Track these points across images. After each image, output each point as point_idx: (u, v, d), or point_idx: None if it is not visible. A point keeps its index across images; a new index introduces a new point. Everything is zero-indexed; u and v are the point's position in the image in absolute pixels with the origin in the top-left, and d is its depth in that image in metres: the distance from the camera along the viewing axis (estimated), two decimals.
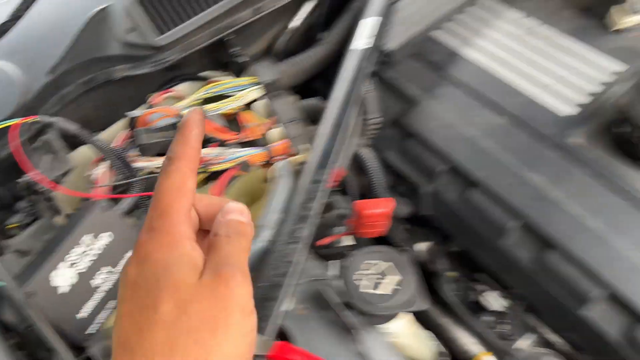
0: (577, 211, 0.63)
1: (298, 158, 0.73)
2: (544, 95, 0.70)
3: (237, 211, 0.38)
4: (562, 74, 0.71)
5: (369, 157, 0.75)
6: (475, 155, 0.71)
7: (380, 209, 0.59)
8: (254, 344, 0.36)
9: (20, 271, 0.60)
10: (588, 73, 0.70)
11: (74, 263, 0.60)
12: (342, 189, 0.74)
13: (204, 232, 0.38)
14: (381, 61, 0.80)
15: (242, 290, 0.34)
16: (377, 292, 0.55)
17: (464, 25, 0.80)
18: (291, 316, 0.59)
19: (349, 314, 0.54)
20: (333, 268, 0.70)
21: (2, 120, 0.69)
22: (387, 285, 0.56)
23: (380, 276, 0.56)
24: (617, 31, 0.72)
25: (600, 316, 0.61)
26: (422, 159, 0.75)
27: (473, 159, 0.71)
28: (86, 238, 0.61)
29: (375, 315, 0.55)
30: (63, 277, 0.59)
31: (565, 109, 0.68)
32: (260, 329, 0.55)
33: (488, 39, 0.77)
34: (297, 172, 0.71)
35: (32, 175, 0.67)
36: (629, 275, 0.59)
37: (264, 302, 0.57)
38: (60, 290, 0.58)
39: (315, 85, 0.92)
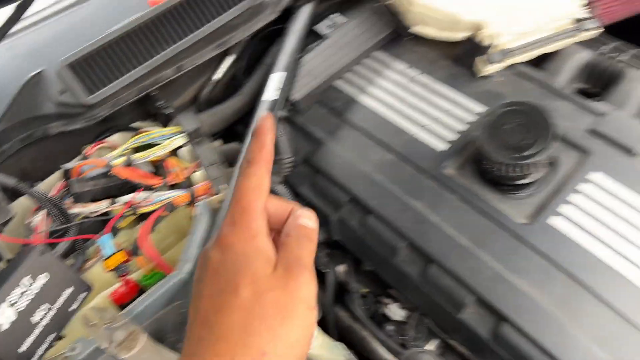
0: (450, 231, 0.75)
1: (218, 197, 0.83)
2: (423, 133, 0.83)
3: (306, 216, 0.44)
4: (437, 115, 0.84)
5: (284, 193, 0.86)
6: (370, 186, 0.82)
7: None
8: (313, 337, 0.41)
9: None
10: (457, 114, 0.83)
11: (14, 303, 0.67)
12: None
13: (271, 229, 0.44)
14: (290, 109, 0.92)
15: (308, 287, 0.40)
16: None
17: (360, 75, 0.93)
18: None
19: None
20: None
21: None
22: None
23: None
24: (483, 77, 0.87)
25: (473, 318, 0.72)
26: (329, 192, 0.87)
27: (368, 190, 0.82)
28: (25, 280, 0.69)
29: None
30: (4, 315, 0.66)
31: (440, 145, 0.81)
32: (180, 351, 0.64)
33: (379, 86, 0.91)
34: (217, 210, 0.81)
35: None
36: (491, 283, 0.71)
37: (183, 325, 0.66)
38: (2, 328, 0.66)
39: (237, 129, 1.04)
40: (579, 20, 0.87)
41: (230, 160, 0.90)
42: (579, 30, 0.87)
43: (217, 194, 0.84)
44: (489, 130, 0.72)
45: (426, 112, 0.85)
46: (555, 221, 0.72)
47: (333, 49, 0.94)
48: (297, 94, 0.90)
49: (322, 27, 0.99)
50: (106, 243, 0.75)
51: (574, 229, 0.71)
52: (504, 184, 0.75)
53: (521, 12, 0.86)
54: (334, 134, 0.89)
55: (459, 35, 0.87)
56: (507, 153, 0.70)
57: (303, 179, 0.91)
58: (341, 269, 0.97)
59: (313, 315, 0.40)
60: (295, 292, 0.39)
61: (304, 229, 0.43)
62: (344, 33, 0.96)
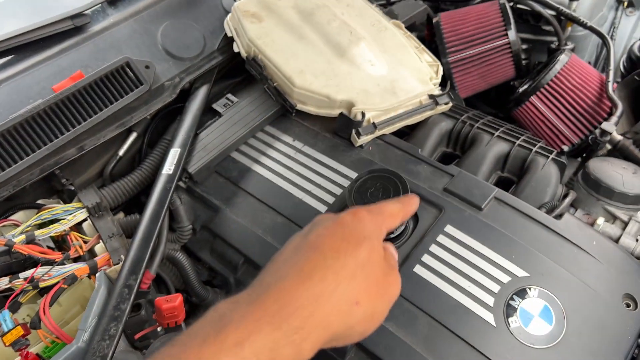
0: None
1: (117, 267, 0.88)
2: (307, 198, 0.94)
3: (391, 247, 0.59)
4: (319, 181, 0.95)
5: (182, 259, 0.93)
6: (263, 248, 0.91)
7: (173, 303, 0.77)
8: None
9: None
10: (336, 179, 0.95)
11: None
12: (157, 288, 0.91)
13: None
14: (186, 181, 1.00)
15: (398, 290, 0.54)
16: None
17: (253, 147, 1.04)
18: None
19: None
20: None
21: None
22: None
23: None
24: (358, 147, 1.00)
25: None
26: (226, 255, 0.94)
27: (261, 251, 0.91)
28: None
29: None
30: None
31: (322, 207, 0.92)
32: None
33: (270, 157, 1.01)
34: (116, 279, 0.86)
35: None
36: None
37: None
38: None
39: (142, 199, 1.10)
40: (433, 97, 1.03)
41: (129, 232, 0.96)
42: (434, 105, 1.03)
43: (117, 264, 0.89)
44: (356, 194, 0.83)
45: (310, 178, 0.97)
46: (418, 269, 0.83)
47: (227, 125, 1.05)
48: (193, 167, 0.99)
49: (218, 106, 1.09)
50: (5, 318, 0.77)
51: (432, 275, 0.82)
52: None
53: (384, 92, 1.01)
54: (230, 200, 0.98)
55: (335, 111, 1.01)
56: None
57: (203, 244, 0.99)
58: None
59: (389, 307, 0.53)
60: (392, 284, 0.53)
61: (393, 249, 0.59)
62: (237, 110, 1.07)
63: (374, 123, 0.98)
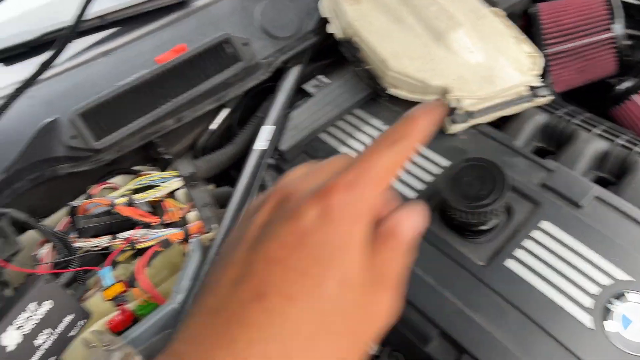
0: (417, 271, 0.83)
1: (209, 235, 0.91)
2: (395, 182, 0.93)
3: (409, 219, 0.37)
4: (408, 167, 0.94)
5: None
6: None
7: None
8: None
9: None
10: (426, 167, 0.93)
11: (20, 326, 0.74)
12: None
13: None
14: (277, 158, 1.02)
15: (390, 310, 0.36)
16: None
17: (341, 129, 1.04)
18: None
19: None
20: None
21: None
22: None
23: None
24: (450, 135, 0.98)
25: (438, 352, 0.79)
26: None
27: None
28: (31, 305, 0.76)
29: None
30: (10, 337, 0.73)
31: (410, 193, 0.91)
32: None
33: (357, 140, 1.01)
34: (208, 247, 0.89)
35: None
36: (453, 318, 0.79)
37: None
38: (8, 349, 0.72)
39: (230, 174, 1.13)
40: (533, 88, 0.99)
41: (221, 203, 0.99)
42: (533, 97, 0.99)
43: (208, 232, 0.93)
44: (451, 182, 0.82)
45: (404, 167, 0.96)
46: (509, 264, 0.81)
47: (318, 106, 1.06)
48: (285, 145, 1.01)
49: (309, 86, 1.10)
50: (106, 275, 0.82)
51: (525, 270, 0.80)
52: (466, 230, 0.85)
53: (481, 80, 0.98)
54: None
55: (428, 97, 0.99)
56: (466, 202, 0.80)
57: None
58: None
59: (375, 339, 0.36)
60: (374, 310, 0.34)
61: (415, 231, 0.37)
62: (328, 92, 1.08)
63: (469, 111, 0.96)
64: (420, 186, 0.92)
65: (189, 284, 0.82)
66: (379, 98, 1.06)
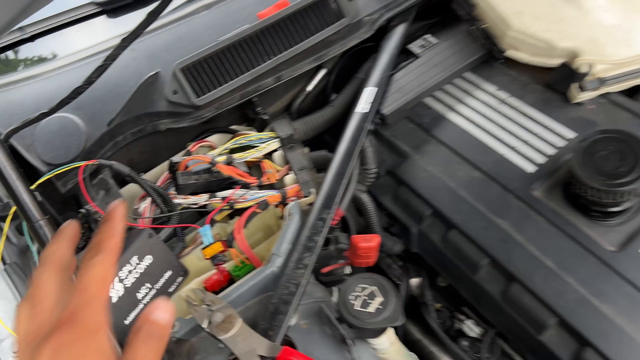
0: (535, 252, 0.76)
1: (307, 200, 0.88)
2: (512, 154, 0.85)
3: (162, 308, 0.40)
4: (527, 138, 0.85)
5: (367, 201, 0.90)
6: (454, 202, 0.85)
7: (371, 243, 0.74)
8: None
9: None
10: (548, 138, 0.84)
11: (123, 279, 0.74)
12: (342, 226, 0.89)
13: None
14: (378, 122, 0.96)
15: None
16: (366, 310, 0.68)
17: (450, 94, 0.96)
18: (295, 329, 0.72)
19: (344, 327, 0.67)
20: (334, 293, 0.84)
21: (69, 162, 0.85)
22: (374, 305, 0.69)
23: (369, 297, 0.70)
24: (575, 104, 0.87)
25: (554, 341, 0.72)
26: (411, 204, 0.89)
27: (452, 205, 0.85)
28: (133, 259, 0.76)
29: (364, 329, 0.68)
30: (115, 289, 0.73)
31: (529, 167, 0.83)
32: (270, 337, 0.68)
33: (468, 106, 0.93)
34: (306, 212, 0.86)
35: (92, 206, 0.83)
36: (575, 306, 0.71)
37: (274, 315, 0.71)
38: (112, 301, 0.73)
39: (325, 138, 1.09)
40: None
41: (318, 167, 0.95)
42: None
43: (306, 196, 0.89)
44: (583, 156, 0.73)
45: (516, 134, 0.87)
46: None
47: (424, 68, 0.98)
48: (387, 109, 0.94)
49: (414, 47, 1.03)
50: (207, 233, 0.80)
51: None
52: (595, 210, 0.76)
53: (617, 44, 0.87)
54: (420, 148, 0.93)
55: (553, 61, 0.89)
56: (601, 179, 0.71)
57: (386, 189, 0.94)
58: (414, 282, 0.99)
59: None
60: None
61: (155, 325, 0.39)
62: (435, 53, 1.00)
63: (601, 78, 0.85)
64: (540, 159, 0.83)
65: (288, 247, 0.79)
66: (493, 61, 0.97)
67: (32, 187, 0.85)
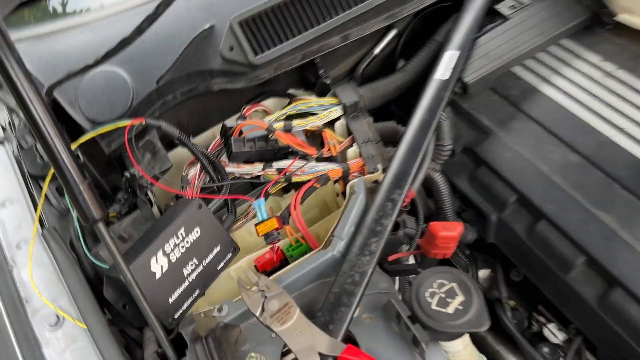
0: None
1: (372, 176, 0.78)
2: (619, 136, 0.72)
3: None
4: (639, 118, 0.72)
5: (441, 182, 0.79)
6: (546, 188, 0.73)
7: (453, 232, 0.63)
8: None
9: (124, 254, 0.67)
10: None
11: (169, 253, 0.67)
12: (409, 209, 0.78)
13: None
14: (457, 92, 0.84)
15: None
16: (445, 310, 0.59)
17: (544, 63, 0.83)
18: (357, 323, 0.63)
19: (418, 328, 0.58)
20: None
21: (114, 120, 0.77)
22: (453, 304, 0.59)
23: (447, 295, 0.60)
24: None
25: None
26: (492, 188, 0.78)
27: (543, 192, 0.73)
28: (181, 231, 0.68)
29: (441, 332, 0.58)
30: (160, 264, 0.66)
31: None
32: (331, 332, 0.60)
33: (566, 78, 0.80)
34: (371, 190, 0.76)
35: (138, 170, 0.75)
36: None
37: (335, 307, 0.62)
38: (157, 276, 0.66)
39: (391, 108, 0.98)
40: None
41: (385, 140, 0.84)
42: None
43: (371, 173, 0.79)
44: None
45: (625, 112, 0.74)
46: None
47: (514, 32, 0.85)
48: (470, 77, 0.82)
49: (503, 7, 0.89)
50: (261, 207, 0.72)
51: None
52: None
53: None
54: (505, 124, 0.80)
55: None
56: None
57: (461, 169, 0.83)
58: (483, 274, 0.89)
59: None
60: None
61: None
62: (528, 15, 0.86)
63: None
64: None
65: (351, 230, 0.69)
66: (598, 27, 0.83)
67: (74, 145, 0.78)
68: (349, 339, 0.61)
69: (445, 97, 0.79)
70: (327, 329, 0.60)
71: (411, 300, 0.61)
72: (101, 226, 0.56)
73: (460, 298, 0.60)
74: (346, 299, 0.62)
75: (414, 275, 0.80)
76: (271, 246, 0.72)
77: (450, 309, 0.59)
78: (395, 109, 0.97)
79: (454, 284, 0.61)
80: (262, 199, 0.73)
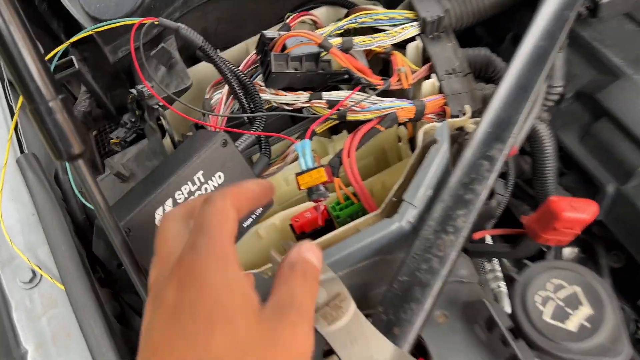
0: None
1: (455, 121, 0.58)
2: None
3: (313, 251, 0.35)
4: None
5: (546, 136, 0.59)
6: None
7: (583, 214, 0.44)
8: None
9: (120, 200, 0.51)
10: None
11: (179, 202, 0.50)
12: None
13: None
14: (583, 13, 0.61)
15: (308, 344, 0.30)
16: (563, 326, 0.41)
17: None
18: (428, 323, 0.46)
19: (523, 346, 0.41)
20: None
21: (121, 18, 0.59)
22: (576, 318, 0.41)
23: (567, 304, 0.42)
24: None
25: None
26: (615, 149, 0.59)
27: None
28: (198, 175, 0.50)
29: (556, 356, 0.41)
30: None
31: None
32: (396, 339, 0.43)
33: None
34: (454, 139, 0.56)
35: (146, 87, 0.57)
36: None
37: (403, 302, 0.44)
38: None
39: (476, 32, 0.76)
40: None
41: (477, 72, 0.64)
42: None
43: (454, 116, 0.59)
44: None
45: None
46: None
47: None
48: None
49: None
50: (306, 151, 0.53)
51: None
52: None
53: None
54: None
55: None
56: None
57: (570, 120, 0.63)
58: (568, 253, 0.71)
59: None
60: (290, 349, 0.29)
61: (310, 265, 0.34)
62: None
63: None
64: None
65: (428, 195, 0.51)
66: None
67: (64, 45, 0.60)
68: (420, 349, 0.45)
69: (571, 18, 0.57)
70: (390, 333, 0.43)
71: (514, 304, 0.43)
72: (81, 165, 0.38)
73: (586, 310, 0.42)
74: (419, 292, 0.44)
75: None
76: (316, 205, 0.55)
77: (571, 325, 0.41)
78: (484, 34, 0.75)
79: (577, 289, 0.43)
80: (307, 140, 0.53)
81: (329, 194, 0.55)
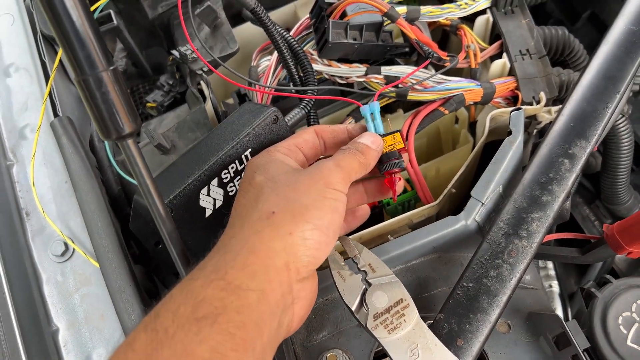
0: None
1: (529, 109, 0.52)
2: None
3: (370, 136, 0.42)
4: None
5: (624, 129, 0.53)
6: None
7: None
8: (336, 214, 0.35)
9: (161, 175, 0.46)
10: None
11: (227, 182, 0.46)
12: None
13: None
14: None
15: (332, 173, 0.37)
16: None
17: None
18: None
19: None
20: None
21: None
22: None
23: None
24: None
25: None
26: None
27: None
28: (247, 153, 0.46)
29: None
30: (212, 197, 0.45)
31: None
32: (459, 351, 0.39)
33: None
34: (525, 127, 0.51)
35: (192, 48, 0.52)
36: None
37: (468, 312, 0.40)
38: (207, 213, 0.45)
39: (546, 8, 0.69)
40: None
41: (550, 54, 0.58)
42: None
43: (527, 103, 0.54)
44: None
45: None
46: None
47: None
48: None
49: None
50: (376, 115, 0.46)
51: None
52: None
53: None
54: None
55: None
56: None
57: None
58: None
59: (333, 193, 0.36)
60: (314, 173, 0.37)
61: (361, 145, 0.41)
62: None
63: None
64: None
65: (498, 192, 0.46)
66: None
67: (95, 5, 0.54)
68: None
69: None
70: (453, 345, 0.39)
71: (593, 323, 0.39)
72: (131, 145, 0.34)
73: None
74: (486, 301, 0.40)
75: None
76: (388, 178, 0.48)
77: None
78: (554, 9, 0.69)
79: None
80: (376, 103, 0.47)
81: (404, 166, 0.49)
